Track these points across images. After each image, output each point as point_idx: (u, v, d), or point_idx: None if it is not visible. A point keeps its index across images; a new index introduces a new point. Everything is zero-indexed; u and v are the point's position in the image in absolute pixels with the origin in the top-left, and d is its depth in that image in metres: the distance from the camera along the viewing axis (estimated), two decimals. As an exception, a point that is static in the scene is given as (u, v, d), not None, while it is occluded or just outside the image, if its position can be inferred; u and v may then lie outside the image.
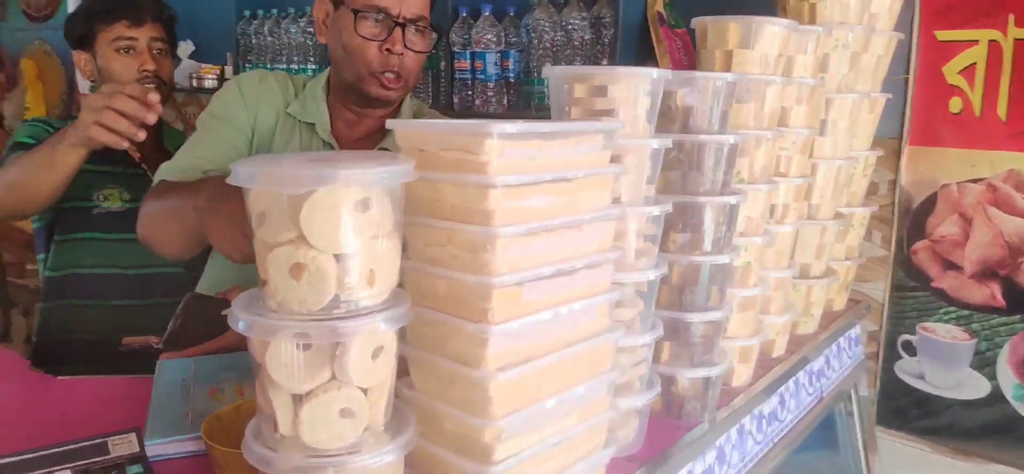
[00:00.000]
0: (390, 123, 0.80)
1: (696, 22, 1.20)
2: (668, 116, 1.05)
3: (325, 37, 1.53)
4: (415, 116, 1.64)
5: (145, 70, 1.77)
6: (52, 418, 1.12)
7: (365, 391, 0.74)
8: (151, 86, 1.70)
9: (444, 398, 0.81)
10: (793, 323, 1.50)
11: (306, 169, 0.68)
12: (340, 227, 0.68)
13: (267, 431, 0.74)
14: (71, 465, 0.88)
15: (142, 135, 1.36)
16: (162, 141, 1.95)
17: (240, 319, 0.70)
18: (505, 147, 0.74)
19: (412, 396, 0.83)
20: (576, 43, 2.29)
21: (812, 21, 1.41)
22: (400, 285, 0.78)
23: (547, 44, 2.33)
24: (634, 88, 0.94)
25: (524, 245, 0.77)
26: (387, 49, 1.43)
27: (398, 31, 1.42)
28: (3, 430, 1.06)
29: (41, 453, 0.89)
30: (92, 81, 1.88)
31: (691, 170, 1.06)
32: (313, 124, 1.53)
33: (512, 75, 2.45)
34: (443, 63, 2.57)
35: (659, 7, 2.20)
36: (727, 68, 1.17)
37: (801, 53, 1.28)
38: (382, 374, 0.75)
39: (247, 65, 3.11)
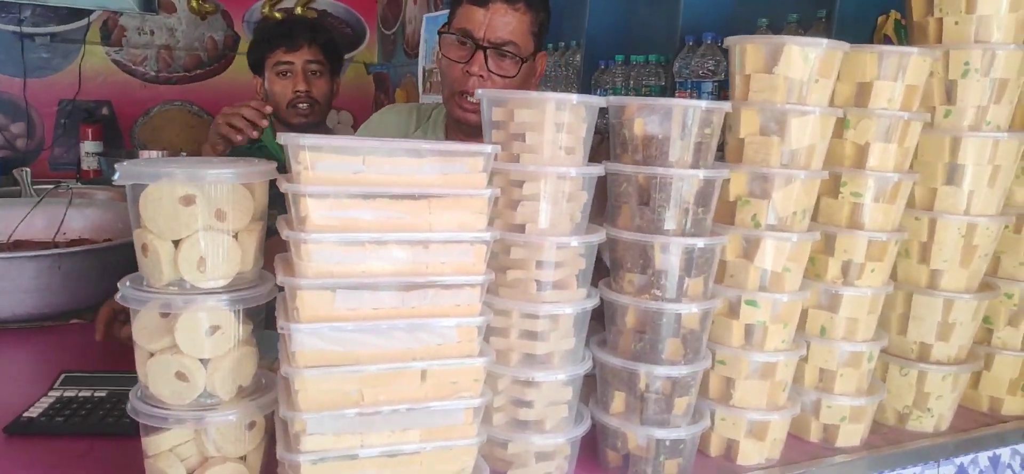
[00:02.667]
0: (280, 136, 0.90)
1: (727, 42, 1.06)
2: (626, 145, 0.97)
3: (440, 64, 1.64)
4: None
5: (297, 91, 2.00)
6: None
7: (205, 362, 0.86)
8: (299, 104, 1.99)
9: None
10: (901, 415, 1.21)
11: (145, 167, 0.82)
12: (164, 217, 0.82)
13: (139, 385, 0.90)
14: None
15: (255, 134, 1.68)
16: None
17: (120, 290, 0.87)
18: (317, 159, 0.80)
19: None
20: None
21: (938, 40, 1.13)
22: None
23: (761, 72, 2.15)
24: (543, 113, 0.90)
25: (340, 254, 0.81)
26: (467, 71, 1.47)
27: (480, 54, 1.46)
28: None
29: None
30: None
31: (642, 205, 0.96)
32: None
33: (734, 105, 2.30)
34: (666, 93, 2.52)
35: (888, 30, 1.90)
36: (746, 95, 1.02)
37: (884, 78, 1.05)
38: (220, 350, 0.86)
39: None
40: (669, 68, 2.53)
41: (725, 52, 2.31)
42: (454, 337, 0.87)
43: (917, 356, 1.20)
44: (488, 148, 0.86)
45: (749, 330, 1.05)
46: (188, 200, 0.81)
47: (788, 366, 1.06)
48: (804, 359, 1.12)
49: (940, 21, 1.12)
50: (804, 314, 1.12)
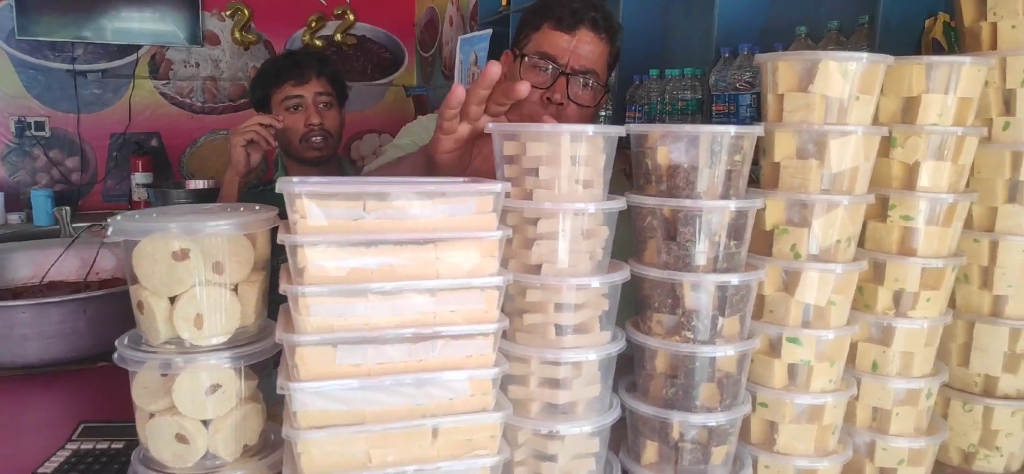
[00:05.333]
0: (278, 184, 0.85)
1: (758, 60, 0.99)
2: (649, 175, 0.90)
3: None
4: None
5: (311, 123, 1.97)
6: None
7: (207, 423, 0.82)
8: (317, 137, 1.96)
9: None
10: (966, 455, 1.11)
11: (137, 222, 0.78)
12: (158, 273, 0.78)
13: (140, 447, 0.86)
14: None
15: (275, 141, 1.79)
16: None
17: (117, 349, 0.83)
18: (313, 205, 0.75)
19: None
20: (832, 80, 1.97)
21: (992, 47, 1.04)
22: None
23: (803, 82, 2.05)
24: (558, 145, 0.84)
25: (341, 307, 0.76)
26: (546, 97, 1.42)
27: (562, 80, 1.42)
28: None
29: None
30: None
31: (668, 240, 0.89)
32: None
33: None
34: (703, 106, 2.43)
35: (937, 33, 1.79)
36: (780, 115, 0.95)
37: (933, 92, 0.96)
38: (222, 409, 0.82)
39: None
40: (705, 81, 2.45)
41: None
42: (467, 390, 0.81)
43: (982, 390, 1.09)
44: (498, 186, 0.80)
45: (792, 370, 0.97)
46: (181, 254, 0.77)
47: (837, 408, 0.97)
48: (855, 398, 1.03)
49: (994, 26, 1.02)
50: (853, 348, 1.03)
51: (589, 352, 0.87)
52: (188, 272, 0.78)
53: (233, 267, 0.81)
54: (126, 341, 0.83)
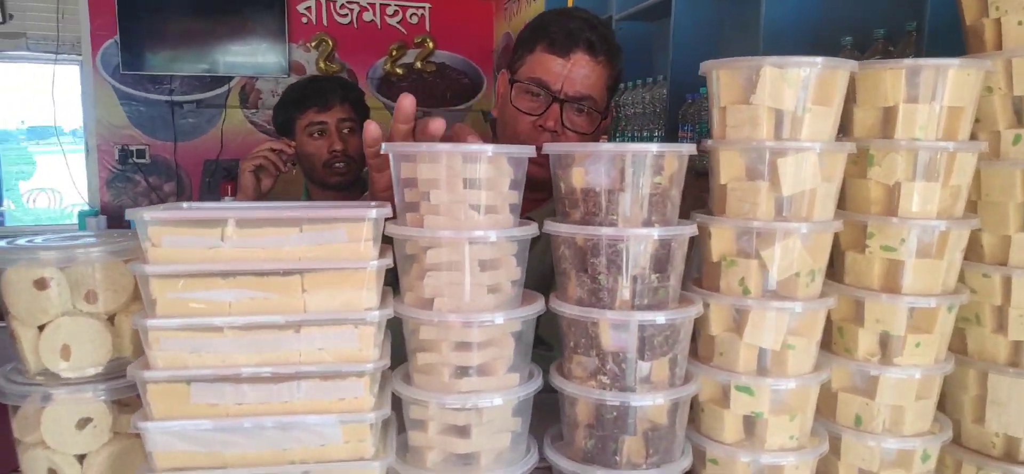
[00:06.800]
0: (128, 212, 0.80)
1: (703, 68, 0.87)
2: (564, 200, 0.80)
3: (497, 110, 1.52)
4: None
5: (334, 150, 1.96)
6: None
7: (81, 457, 0.78)
8: (340, 164, 1.94)
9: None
10: (979, 528, 0.93)
11: (4, 251, 0.76)
12: (22, 302, 0.75)
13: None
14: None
15: (284, 167, 1.83)
16: None
17: (-1, 380, 0.81)
18: (165, 235, 0.70)
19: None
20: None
21: (997, 47, 0.87)
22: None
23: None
24: (447, 168, 0.76)
25: (196, 342, 0.71)
26: (540, 125, 1.33)
27: (556, 107, 1.34)
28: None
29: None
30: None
31: (581, 272, 0.78)
32: None
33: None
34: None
35: (997, 37, 1.58)
36: (723, 132, 0.83)
37: (913, 101, 0.82)
38: (94, 444, 0.78)
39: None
40: (756, 98, 2.28)
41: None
42: (338, 436, 0.73)
43: (1002, 454, 0.92)
44: (373, 211, 0.73)
45: (748, 423, 0.84)
46: (42, 283, 0.74)
47: (800, 469, 0.83)
48: (836, 455, 0.89)
49: (998, 22, 0.86)
50: (833, 398, 0.89)
51: (494, 396, 0.77)
52: (51, 301, 0.75)
53: (108, 296, 0.77)
54: (9, 368, 0.80)
